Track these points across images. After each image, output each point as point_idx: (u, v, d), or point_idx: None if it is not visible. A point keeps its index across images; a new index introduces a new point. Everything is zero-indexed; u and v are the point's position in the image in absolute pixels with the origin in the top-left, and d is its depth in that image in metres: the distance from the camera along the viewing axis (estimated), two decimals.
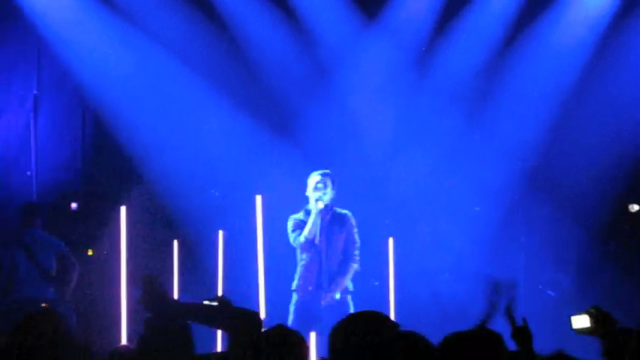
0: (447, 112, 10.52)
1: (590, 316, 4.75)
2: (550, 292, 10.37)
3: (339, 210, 8.72)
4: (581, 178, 10.35)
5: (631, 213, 10.42)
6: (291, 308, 8.65)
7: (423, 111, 10.55)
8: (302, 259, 8.65)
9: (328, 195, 8.57)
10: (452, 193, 10.54)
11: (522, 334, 4.45)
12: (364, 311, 4.23)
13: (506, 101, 10.58)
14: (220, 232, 9.43)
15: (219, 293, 9.16)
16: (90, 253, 10.28)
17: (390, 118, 10.55)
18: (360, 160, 10.31)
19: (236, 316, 4.59)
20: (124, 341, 8.45)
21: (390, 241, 9.24)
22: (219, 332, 8.19)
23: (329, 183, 8.59)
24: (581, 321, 4.78)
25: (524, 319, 4.45)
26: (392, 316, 9.03)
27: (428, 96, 10.57)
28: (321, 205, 8.53)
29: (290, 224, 8.67)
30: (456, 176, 10.51)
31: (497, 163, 10.48)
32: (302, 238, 8.56)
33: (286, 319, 8.56)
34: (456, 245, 10.48)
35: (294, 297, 8.67)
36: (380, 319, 4.11)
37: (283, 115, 10.61)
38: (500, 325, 4.54)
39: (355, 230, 8.72)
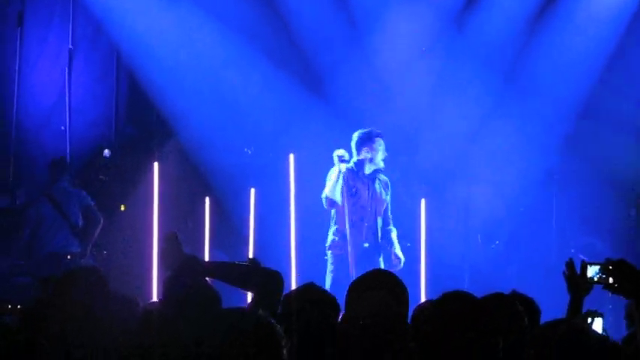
0: (483, 75, 10.41)
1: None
2: (583, 257, 10.28)
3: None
4: (618, 144, 10.23)
5: None
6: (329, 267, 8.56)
7: (459, 73, 10.45)
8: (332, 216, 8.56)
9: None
10: (486, 156, 10.45)
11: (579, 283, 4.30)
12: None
13: (543, 66, 10.46)
14: (252, 190, 9.41)
15: (250, 251, 9.17)
16: (122, 208, 10.27)
17: (425, 80, 10.43)
18: (393, 120, 10.21)
19: (262, 276, 4.58)
20: (154, 298, 8.46)
21: (423, 202, 9.20)
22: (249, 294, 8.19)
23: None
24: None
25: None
26: (422, 278, 9.01)
27: (464, 57, 10.46)
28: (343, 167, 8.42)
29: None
30: (491, 139, 10.42)
31: (534, 127, 10.38)
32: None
33: (318, 278, 8.50)
34: (489, 208, 10.41)
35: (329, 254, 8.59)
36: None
37: (317, 75, 10.55)
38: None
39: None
